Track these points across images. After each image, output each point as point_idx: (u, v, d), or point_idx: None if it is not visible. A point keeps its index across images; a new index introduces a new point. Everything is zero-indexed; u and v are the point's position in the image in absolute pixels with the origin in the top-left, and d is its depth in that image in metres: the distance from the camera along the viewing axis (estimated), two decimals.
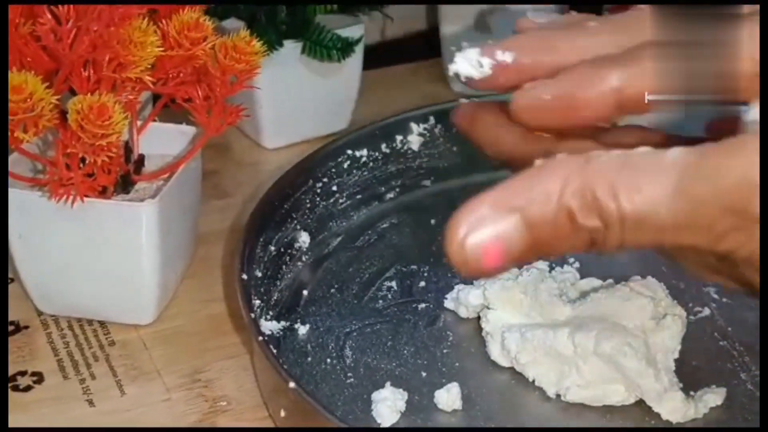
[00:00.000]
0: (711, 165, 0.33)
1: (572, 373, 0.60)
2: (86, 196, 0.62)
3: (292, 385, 0.55)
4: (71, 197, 0.61)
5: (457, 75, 0.43)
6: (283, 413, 0.58)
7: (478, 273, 0.35)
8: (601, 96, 0.38)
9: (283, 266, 0.71)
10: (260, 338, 0.58)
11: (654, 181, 0.33)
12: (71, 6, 0.56)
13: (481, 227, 0.34)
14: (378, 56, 0.99)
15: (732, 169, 0.33)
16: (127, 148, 0.66)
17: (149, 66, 0.60)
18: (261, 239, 0.68)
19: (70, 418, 0.61)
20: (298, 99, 0.86)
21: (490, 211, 0.35)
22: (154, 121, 0.69)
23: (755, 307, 0.68)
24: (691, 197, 0.33)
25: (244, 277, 0.63)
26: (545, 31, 0.43)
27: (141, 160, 0.67)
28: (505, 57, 0.42)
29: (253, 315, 0.60)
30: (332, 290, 0.70)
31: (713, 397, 0.61)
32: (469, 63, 0.42)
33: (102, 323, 0.68)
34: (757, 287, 0.36)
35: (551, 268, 0.69)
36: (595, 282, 0.67)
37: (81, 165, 0.61)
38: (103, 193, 0.64)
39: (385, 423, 0.59)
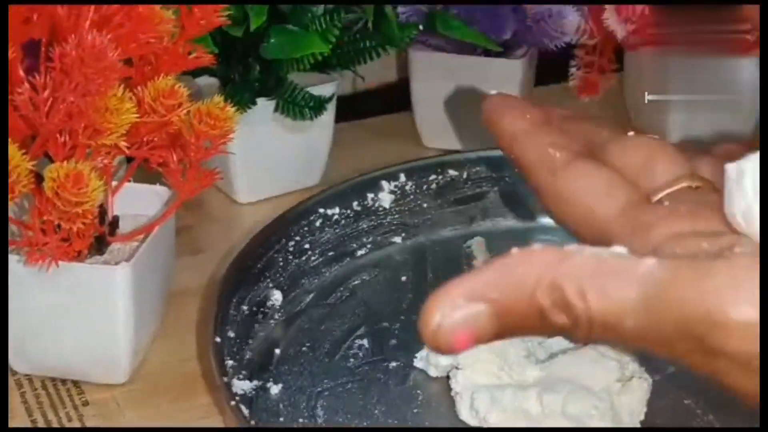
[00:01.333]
0: (677, 289, 0.33)
1: None
2: (60, 260, 0.62)
3: None
4: (46, 262, 0.62)
5: None
6: None
7: (448, 353, 0.37)
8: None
9: (256, 325, 0.71)
10: (232, 402, 0.59)
11: (623, 290, 0.34)
12: (48, 76, 0.58)
13: (454, 315, 0.36)
14: (349, 108, 1.00)
15: (694, 299, 0.33)
16: (102, 210, 0.67)
17: (124, 132, 0.61)
18: (234, 299, 0.69)
19: None
20: (271, 155, 0.87)
21: (463, 300, 0.36)
22: (129, 181, 0.70)
23: None
24: (653, 315, 0.34)
25: (217, 339, 0.64)
26: None
27: (115, 221, 0.68)
28: None
29: (225, 378, 0.61)
30: (304, 348, 0.71)
31: None
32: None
33: (76, 383, 0.69)
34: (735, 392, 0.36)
35: None
36: (562, 342, 0.68)
37: (56, 230, 0.62)
38: (77, 255, 0.65)
39: None
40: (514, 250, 0.36)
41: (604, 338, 0.35)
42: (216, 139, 0.64)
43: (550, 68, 0.99)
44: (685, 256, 0.36)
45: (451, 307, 0.36)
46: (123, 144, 0.62)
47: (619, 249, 0.35)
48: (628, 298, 0.34)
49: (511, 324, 0.35)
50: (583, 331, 0.35)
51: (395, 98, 1.04)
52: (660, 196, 0.43)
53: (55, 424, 0.65)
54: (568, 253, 0.35)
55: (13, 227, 0.67)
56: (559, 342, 0.69)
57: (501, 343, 0.66)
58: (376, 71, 1.05)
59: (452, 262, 0.80)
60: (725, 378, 0.35)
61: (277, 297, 0.74)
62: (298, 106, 0.83)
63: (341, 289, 0.77)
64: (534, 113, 0.48)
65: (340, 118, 0.92)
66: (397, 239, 0.82)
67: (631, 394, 0.63)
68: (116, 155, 0.64)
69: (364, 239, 0.80)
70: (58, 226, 0.61)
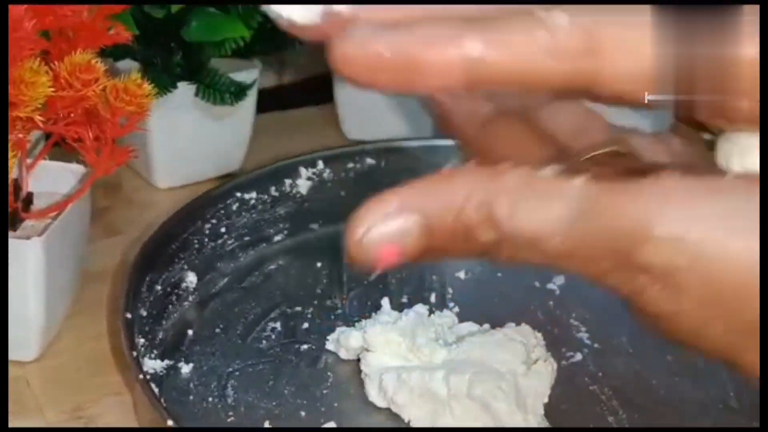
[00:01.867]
0: (605, 205, 0.34)
1: (446, 414, 0.62)
2: None
3: (170, 422, 0.56)
4: None
5: (275, 14, 0.35)
6: None
7: (371, 268, 0.35)
8: (452, 64, 0.33)
9: (169, 306, 0.72)
10: (140, 376, 0.59)
11: (551, 207, 0.34)
12: None
13: (381, 227, 0.34)
14: (274, 100, 1.01)
15: (623, 215, 0.34)
16: (17, 186, 0.67)
17: (40, 105, 0.61)
18: (147, 278, 0.69)
19: None
20: (191, 140, 0.87)
21: (393, 210, 0.34)
22: (45, 159, 0.70)
23: (624, 353, 0.71)
24: (581, 231, 0.34)
25: (128, 315, 0.64)
26: None
27: (30, 197, 0.68)
28: (341, 7, 0.35)
29: (135, 353, 0.61)
30: (217, 330, 0.72)
31: None
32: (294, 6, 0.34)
33: None
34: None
35: (431, 312, 0.71)
36: (472, 327, 0.70)
37: None
38: None
39: None
40: (446, 168, 0.36)
41: (528, 258, 0.35)
42: (132, 116, 0.64)
43: None
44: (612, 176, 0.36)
45: (379, 219, 0.34)
46: (39, 118, 0.61)
47: (550, 170, 0.35)
48: (555, 215, 0.34)
49: (438, 241, 0.35)
50: (508, 250, 0.35)
51: (319, 91, 1.05)
52: (588, 156, 0.44)
53: None
54: (500, 171, 0.34)
55: None
56: (468, 326, 0.70)
57: (410, 327, 0.67)
58: (301, 64, 1.06)
59: None
60: (643, 296, 0.35)
61: (191, 279, 0.74)
62: (219, 92, 0.83)
63: (256, 273, 0.78)
64: None
65: (263, 110, 0.92)
66: (314, 226, 0.82)
67: (536, 377, 0.64)
68: (31, 129, 0.63)
69: (281, 225, 0.81)
70: None
